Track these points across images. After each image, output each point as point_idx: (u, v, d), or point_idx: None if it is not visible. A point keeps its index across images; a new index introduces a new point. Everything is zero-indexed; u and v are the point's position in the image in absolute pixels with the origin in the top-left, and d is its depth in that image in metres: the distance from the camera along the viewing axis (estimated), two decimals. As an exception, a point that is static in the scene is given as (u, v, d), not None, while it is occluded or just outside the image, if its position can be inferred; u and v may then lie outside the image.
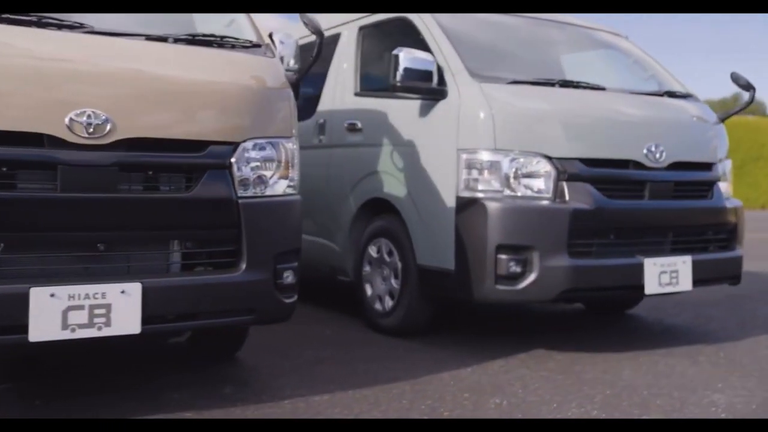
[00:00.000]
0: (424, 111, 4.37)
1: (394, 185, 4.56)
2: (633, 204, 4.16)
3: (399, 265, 4.51)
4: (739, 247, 4.60)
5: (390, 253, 4.60)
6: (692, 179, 4.43)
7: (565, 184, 3.97)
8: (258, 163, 3.14)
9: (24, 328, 2.60)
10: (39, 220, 2.68)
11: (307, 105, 5.49)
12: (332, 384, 3.53)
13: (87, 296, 2.68)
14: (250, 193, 3.11)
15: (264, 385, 3.53)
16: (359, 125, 4.92)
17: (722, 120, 4.89)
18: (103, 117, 2.75)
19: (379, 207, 4.71)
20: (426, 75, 4.18)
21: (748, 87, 4.86)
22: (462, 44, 4.39)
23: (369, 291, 4.79)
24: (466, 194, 4.01)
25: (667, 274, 4.15)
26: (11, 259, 2.68)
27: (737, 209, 4.61)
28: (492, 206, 3.91)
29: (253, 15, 3.58)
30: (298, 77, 3.40)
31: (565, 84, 4.39)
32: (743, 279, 4.63)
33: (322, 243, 5.27)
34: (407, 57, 4.16)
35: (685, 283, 4.22)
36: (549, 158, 3.98)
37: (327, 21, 5.56)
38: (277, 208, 3.21)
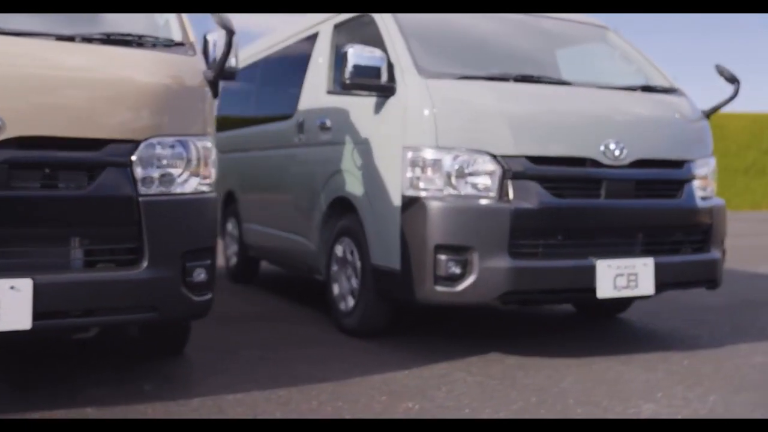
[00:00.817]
0: (378, 108, 4.31)
1: (353, 184, 4.52)
2: (585, 203, 3.97)
3: (358, 264, 4.46)
4: (715, 249, 4.34)
5: (352, 253, 4.55)
6: (658, 178, 4.21)
7: (510, 183, 3.84)
8: (164, 161, 3.15)
9: None
10: None
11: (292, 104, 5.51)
12: (254, 383, 3.51)
13: (-26, 291, 2.74)
14: (154, 191, 3.12)
15: (186, 383, 3.54)
16: (328, 124, 4.89)
17: (708, 115, 4.64)
18: None
19: (344, 206, 4.67)
20: (375, 72, 4.12)
21: (732, 80, 4.59)
22: (420, 42, 4.30)
23: (335, 290, 4.76)
24: (410, 193, 3.93)
25: (624, 277, 3.96)
26: None
27: (714, 209, 4.36)
28: (432, 205, 3.82)
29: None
30: (215, 76, 3.38)
31: (524, 79, 4.23)
32: (764, 284, 4.35)
33: (301, 242, 5.27)
34: (356, 54, 4.11)
35: (646, 286, 4.01)
36: (494, 156, 3.86)
37: (310, 20, 5.57)
38: (185, 206, 3.21)
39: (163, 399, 3.25)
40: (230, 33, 3.30)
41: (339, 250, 4.70)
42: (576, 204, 3.94)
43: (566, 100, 4.18)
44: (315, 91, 5.18)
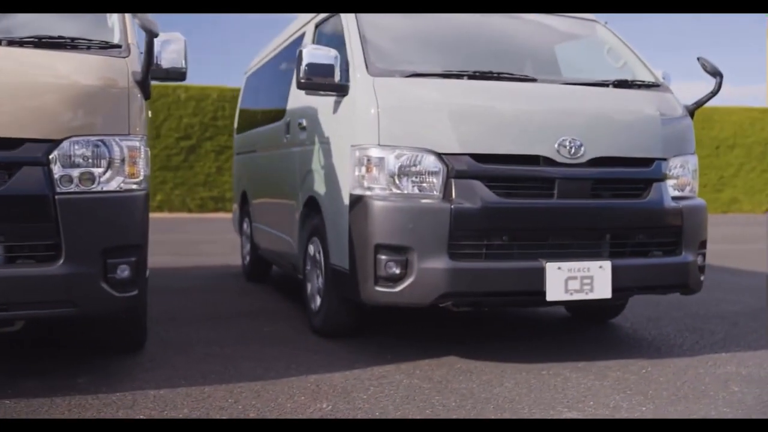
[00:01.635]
0: (336, 107, 4.29)
1: (319, 184, 4.51)
2: (531, 203, 3.84)
3: (323, 263, 4.46)
4: (689, 253, 4.11)
5: (319, 252, 4.55)
6: (619, 177, 4.02)
7: (453, 182, 3.74)
8: (84, 160, 3.23)
9: None
10: None
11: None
12: (185, 380, 3.56)
13: None
14: (72, 189, 3.20)
15: (121, 378, 3.61)
16: (304, 123, 4.91)
17: (692, 111, 4.41)
18: None
19: (314, 206, 4.67)
20: (329, 70, 4.10)
21: (715, 73, 4.34)
22: (381, 41, 4.26)
23: (308, 290, 4.76)
24: (357, 192, 3.89)
25: (577, 280, 3.80)
26: None
27: (687, 210, 4.12)
28: (373, 205, 3.77)
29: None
30: (143, 77, 3.44)
31: (483, 76, 4.12)
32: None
33: (287, 241, 5.31)
34: (310, 53, 4.10)
35: (602, 290, 3.83)
36: (438, 155, 3.77)
37: (300, 20, 5.61)
38: (106, 204, 3.28)
39: (86, 392, 3.33)
40: (151, 34, 3.35)
41: (311, 249, 4.71)
42: (521, 204, 3.81)
43: (524, 97, 4.04)
44: (298, 91, 5.20)
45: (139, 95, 3.43)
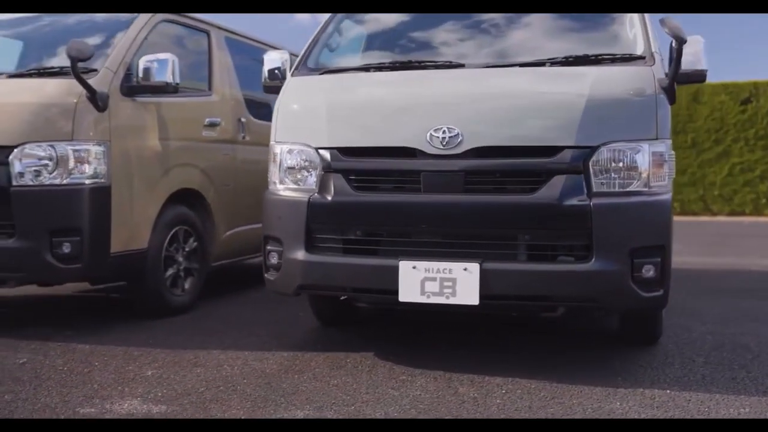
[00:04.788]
0: None
1: None
2: (389, 198, 3.60)
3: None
4: (606, 260, 3.36)
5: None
6: (501, 169, 3.49)
7: (321, 176, 3.76)
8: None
9: None
10: None
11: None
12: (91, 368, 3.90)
13: None
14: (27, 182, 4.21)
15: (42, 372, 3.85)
16: None
17: (668, 90, 3.56)
18: None
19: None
20: (282, 74, 4.37)
21: (675, 37, 3.43)
22: (333, 41, 4.39)
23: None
24: (269, 186, 4.09)
25: (436, 282, 3.48)
26: None
27: (604, 209, 3.36)
28: (265, 198, 4.00)
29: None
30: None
31: (404, 66, 3.97)
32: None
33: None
34: (269, 58, 4.42)
35: (467, 295, 3.43)
36: (315, 149, 3.82)
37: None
38: (52, 194, 4.22)
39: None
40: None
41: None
42: (374, 199, 3.62)
43: (417, 86, 3.79)
44: None
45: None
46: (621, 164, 3.47)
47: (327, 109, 3.83)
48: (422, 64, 3.98)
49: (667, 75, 3.61)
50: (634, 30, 3.97)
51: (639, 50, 3.82)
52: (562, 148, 3.46)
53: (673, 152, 3.64)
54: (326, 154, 3.76)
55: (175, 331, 4.59)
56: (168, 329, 4.62)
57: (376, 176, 3.68)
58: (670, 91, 3.59)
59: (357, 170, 3.70)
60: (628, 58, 3.76)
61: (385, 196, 3.65)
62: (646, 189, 3.49)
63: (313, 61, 4.24)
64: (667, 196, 3.54)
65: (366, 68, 4.04)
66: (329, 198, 3.69)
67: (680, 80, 3.79)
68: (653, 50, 3.78)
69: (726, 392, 3.36)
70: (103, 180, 4.37)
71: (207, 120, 5.37)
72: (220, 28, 5.74)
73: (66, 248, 4.25)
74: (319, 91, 3.98)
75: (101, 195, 4.38)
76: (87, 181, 4.30)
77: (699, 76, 3.80)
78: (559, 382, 3.49)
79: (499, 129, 3.54)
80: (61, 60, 4.69)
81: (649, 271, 3.42)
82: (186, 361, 3.87)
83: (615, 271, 3.38)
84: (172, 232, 4.97)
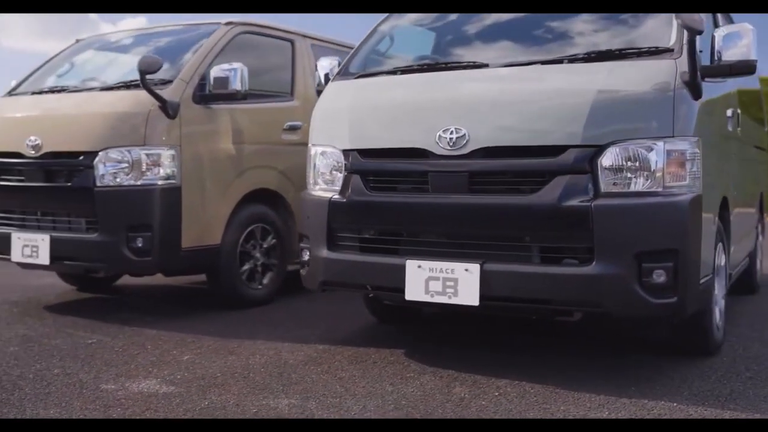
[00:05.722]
0: None
1: None
2: (399, 198, 3.67)
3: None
4: (609, 264, 3.22)
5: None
6: (504, 169, 3.43)
7: (345, 177, 3.89)
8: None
9: None
10: None
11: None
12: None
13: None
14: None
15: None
16: None
17: (691, 85, 3.36)
18: None
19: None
20: (326, 78, 4.55)
21: (687, 27, 3.21)
22: (378, 44, 4.51)
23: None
24: (306, 188, 4.29)
25: (439, 282, 3.48)
26: None
27: (606, 211, 3.23)
28: (301, 198, 4.22)
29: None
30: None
31: (431, 68, 4.02)
32: None
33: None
34: (321, 65, 4.63)
35: (468, 296, 3.42)
36: (341, 151, 3.96)
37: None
38: (128, 193, 4.71)
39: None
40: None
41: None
42: (385, 198, 3.70)
43: (434, 87, 3.81)
44: None
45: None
46: (631, 164, 3.32)
47: (349, 112, 3.98)
48: (447, 65, 4.01)
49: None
50: (669, 22, 3.75)
51: (670, 42, 3.60)
52: (566, 147, 3.37)
53: (699, 151, 3.39)
54: (349, 156, 3.90)
55: (242, 321, 4.92)
56: (237, 319, 4.96)
57: (389, 177, 3.78)
58: (692, 86, 3.37)
59: (373, 171, 3.81)
60: (654, 52, 3.57)
61: (394, 196, 3.74)
62: (660, 189, 3.31)
63: (355, 66, 4.38)
64: (686, 197, 3.32)
65: (394, 71, 4.13)
66: (346, 198, 3.83)
67: (720, 73, 3.56)
68: (684, 42, 3.56)
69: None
70: (173, 181, 4.79)
71: (287, 124, 5.67)
72: (305, 36, 6.03)
73: (139, 242, 4.71)
74: (347, 95, 4.12)
75: (172, 194, 4.80)
76: (159, 182, 4.74)
77: (746, 68, 3.53)
78: (558, 387, 3.41)
79: (505, 129, 3.51)
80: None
81: (660, 277, 3.25)
82: (226, 349, 4.17)
83: (618, 274, 3.24)
84: (248, 230, 5.31)
